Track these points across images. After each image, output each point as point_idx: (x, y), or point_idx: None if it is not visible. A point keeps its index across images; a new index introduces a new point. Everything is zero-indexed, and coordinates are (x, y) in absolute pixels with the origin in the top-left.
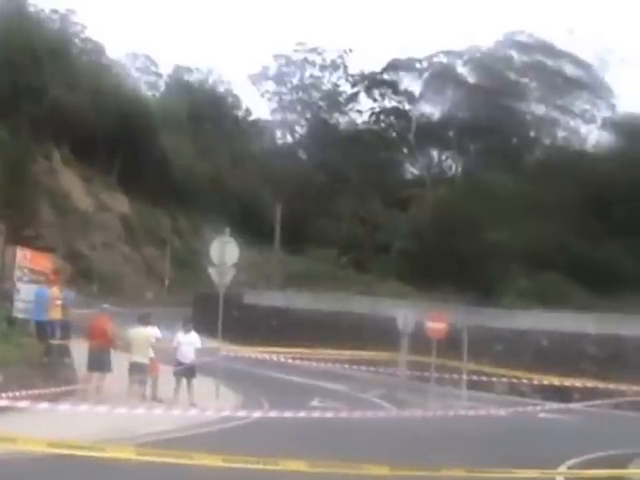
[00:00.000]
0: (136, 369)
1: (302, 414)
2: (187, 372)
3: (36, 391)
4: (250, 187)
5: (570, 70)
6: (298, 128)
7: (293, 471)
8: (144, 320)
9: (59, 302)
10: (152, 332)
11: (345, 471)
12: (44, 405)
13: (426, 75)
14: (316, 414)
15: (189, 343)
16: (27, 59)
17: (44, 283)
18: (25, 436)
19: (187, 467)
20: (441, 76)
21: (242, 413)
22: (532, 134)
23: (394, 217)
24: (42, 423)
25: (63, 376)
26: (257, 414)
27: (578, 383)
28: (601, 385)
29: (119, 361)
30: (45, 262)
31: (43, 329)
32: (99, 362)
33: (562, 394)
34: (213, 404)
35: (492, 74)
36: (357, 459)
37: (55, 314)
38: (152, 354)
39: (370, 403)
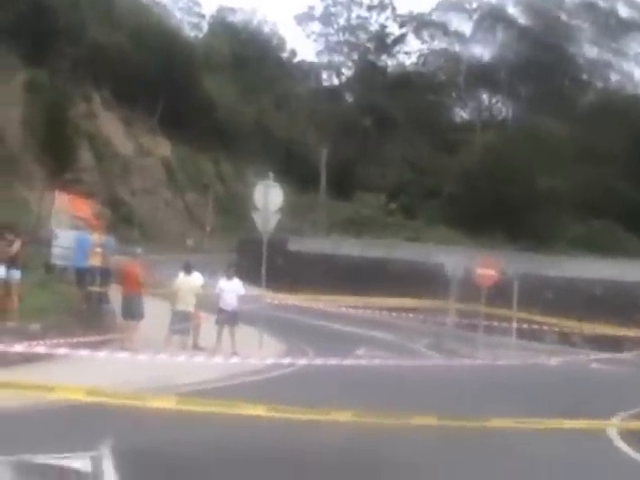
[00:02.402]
0: (180, 317)
1: (347, 362)
2: (230, 320)
3: (75, 339)
4: (295, 130)
5: (624, 11)
6: (344, 70)
7: (338, 421)
8: (188, 268)
9: (99, 249)
10: (196, 281)
11: (392, 421)
12: (83, 353)
13: (476, 16)
14: (362, 362)
15: (231, 290)
16: (66, 0)
17: (84, 229)
18: (63, 384)
19: (230, 417)
20: (491, 17)
21: (286, 361)
22: (584, 77)
23: (443, 162)
24: (81, 371)
25: (102, 324)
26: (301, 362)
27: (631, 333)
28: None
29: (160, 309)
30: (85, 207)
31: (82, 276)
32: (131, 309)
33: (614, 344)
34: (257, 353)
35: (543, 15)
36: (404, 409)
37: (95, 261)
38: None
39: (417, 352)
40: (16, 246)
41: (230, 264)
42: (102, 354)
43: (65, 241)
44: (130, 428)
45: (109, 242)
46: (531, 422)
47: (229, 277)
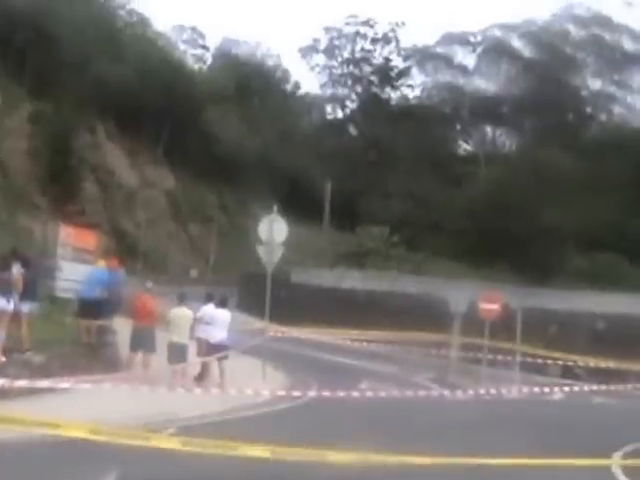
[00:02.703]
0: (175, 350)
1: (351, 396)
2: (219, 352)
3: (79, 372)
4: (299, 163)
5: (628, 44)
6: (348, 103)
7: (341, 460)
8: (182, 299)
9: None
10: (190, 312)
11: (394, 459)
12: (86, 386)
13: (480, 49)
14: (365, 397)
15: (221, 320)
16: (71, 32)
17: (89, 261)
18: (67, 421)
19: (233, 458)
20: (495, 50)
21: (289, 395)
22: (588, 110)
23: (447, 195)
24: (84, 405)
25: (106, 356)
26: (305, 397)
27: (635, 367)
28: None
29: (162, 341)
30: (89, 239)
31: (88, 308)
32: (143, 342)
33: (618, 378)
34: (260, 385)
35: (548, 48)
36: (406, 445)
37: (102, 293)
38: (199, 334)
39: (420, 386)
40: (16, 271)
41: (223, 295)
42: (106, 387)
43: (69, 273)
44: (133, 466)
45: (118, 274)
46: (532, 459)
47: (221, 307)
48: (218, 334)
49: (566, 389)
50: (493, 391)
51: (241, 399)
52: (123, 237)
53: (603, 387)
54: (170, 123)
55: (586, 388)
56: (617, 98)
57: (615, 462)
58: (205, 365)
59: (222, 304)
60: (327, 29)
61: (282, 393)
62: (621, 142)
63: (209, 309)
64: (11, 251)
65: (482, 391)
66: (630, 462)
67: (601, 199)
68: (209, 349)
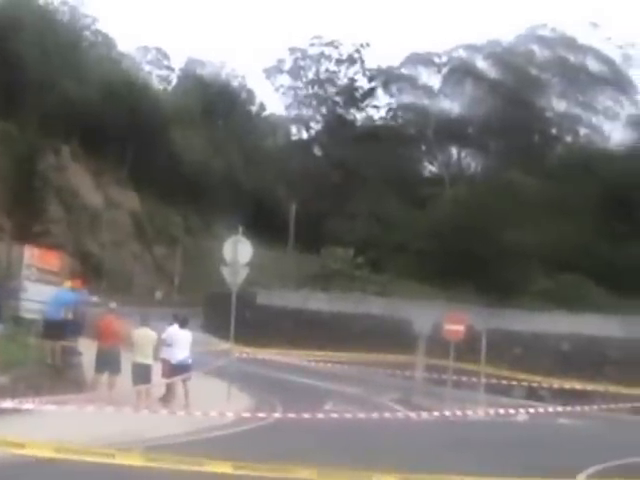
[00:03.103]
0: (139, 370)
1: (316, 417)
2: (182, 373)
3: (44, 392)
4: (264, 185)
5: (593, 66)
6: (313, 124)
7: (293, 478)
8: (145, 321)
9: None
10: (154, 333)
11: (351, 476)
12: (51, 407)
13: (445, 70)
14: (330, 418)
15: (183, 341)
16: (36, 52)
17: (54, 282)
18: (33, 441)
19: (197, 474)
20: (460, 71)
21: (254, 416)
22: (554, 132)
23: (411, 216)
24: (49, 425)
25: (71, 377)
26: (270, 418)
27: (600, 388)
28: (624, 390)
29: (127, 362)
30: (53, 260)
31: (53, 329)
32: (108, 363)
33: (583, 399)
34: (224, 406)
35: (513, 69)
36: (368, 465)
37: (67, 314)
38: (163, 355)
39: (385, 407)
40: None
41: (184, 316)
42: (71, 408)
43: (33, 294)
44: None
45: (83, 295)
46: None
47: (182, 327)
48: (180, 354)
49: (531, 410)
50: (458, 413)
51: (206, 420)
52: (88, 258)
53: (568, 408)
54: (135, 144)
55: (550, 409)
56: (582, 119)
57: None
58: (170, 386)
59: (183, 324)
60: (292, 50)
61: (247, 414)
62: (586, 163)
63: (173, 330)
64: None
65: (447, 412)
66: None
67: (566, 220)
68: (171, 370)
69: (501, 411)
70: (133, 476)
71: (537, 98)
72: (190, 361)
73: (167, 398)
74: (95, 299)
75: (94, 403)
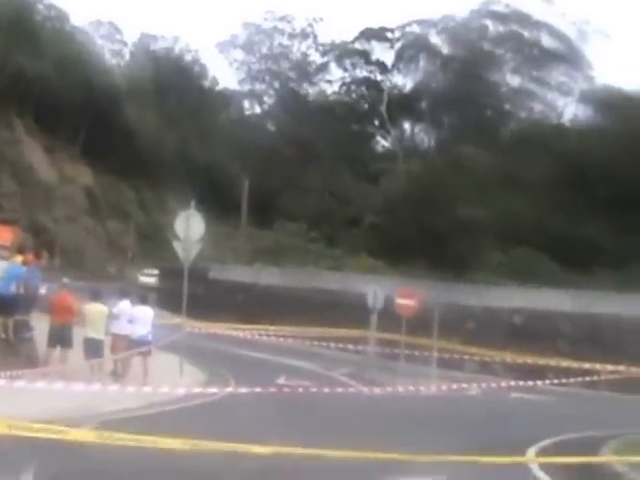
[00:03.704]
0: (91, 345)
1: (268, 392)
2: (141, 347)
3: None
4: (217, 159)
5: (547, 41)
6: (267, 99)
7: (252, 454)
8: (96, 295)
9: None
10: (105, 308)
11: (307, 452)
12: (2, 382)
13: (398, 45)
14: (282, 392)
15: (142, 316)
16: None
17: (7, 257)
18: None
19: (148, 447)
20: (414, 46)
21: (207, 390)
22: (507, 107)
23: (365, 191)
24: (1, 401)
25: (24, 352)
26: (222, 392)
27: (552, 362)
28: (575, 364)
29: (78, 337)
30: (6, 235)
31: (4, 304)
32: (60, 338)
33: (535, 373)
34: (177, 381)
35: (466, 44)
36: (320, 441)
37: (19, 289)
38: (116, 330)
39: (337, 381)
40: None
41: (144, 292)
42: (23, 383)
43: None
44: (50, 460)
45: (35, 270)
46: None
47: (142, 303)
48: (139, 330)
49: (483, 385)
50: (410, 387)
51: (159, 395)
52: (41, 233)
53: (520, 382)
54: (89, 119)
55: (503, 383)
56: (536, 95)
57: (530, 461)
58: (124, 361)
59: (143, 301)
60: (245, 24)
61: (199, 389)
62: (540, 138)
63: (125, 305)
64: None
65: (399, 387)
66: (546, 459)
67: (519, 195)
68: (130, 345)
69: (453, 385)
70: (86, 452)
71: (491, 73)
72: (150, 337)
73: (120, 373)
74: (65, 280)
75: (47, 378)
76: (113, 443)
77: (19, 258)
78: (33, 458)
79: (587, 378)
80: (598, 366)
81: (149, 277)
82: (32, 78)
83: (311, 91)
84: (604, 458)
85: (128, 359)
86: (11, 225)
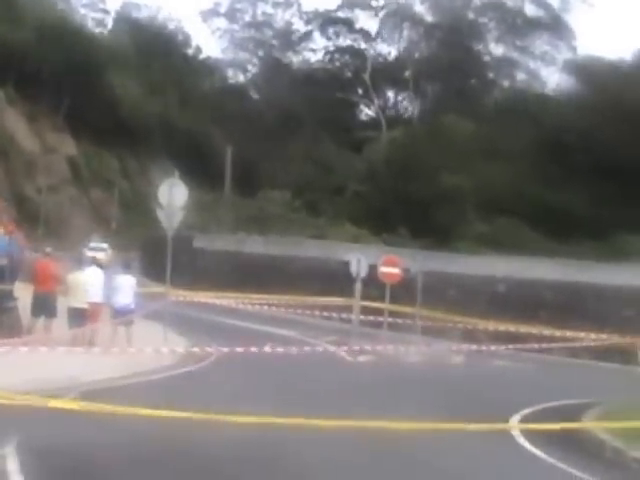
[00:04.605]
0: (74, 314)
1: (253, 358)
2: (124, 317)
3: None
4: (200, 128)
5: (530, 10)
6: (250, 67)
7: (235, 423)
8: (80, 265)
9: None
10: (89, 277)
11: (290, 421)
12: None
13: (382, 14)
14: (267, 359)
15: (125, 286)
16: None
17: None
18: None
19: (131, 417)
20: (398, 15)
21: (192, 358)
22: (491, 76)
23: (348, 159)
24: None
25: (7, 322)
26: (207, 360)
27: (534, 330)
28: (558, 332)
29: (61, 306)
30: None
31: None
32: (44, 307)
33: (518, 341)
34: (160, 350)
35: (450, 13)
36: (305, 409)
37: (1, 259)
38: (93, 299)
39: (322, 349)
40: None
41: (126, 260)
42: (6, 352)
43: None
44: (33, 428)
45: (18, 240)
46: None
47: (123, 272)
48: (122, 299)
49: (466, 352)
50: (394, 355)
51: (143, 364)
52: (24, 203)
53: (502, 348)
54: (71, 88)
55: (485, 351)
56: (519, 64)
57: (512, 427)
58: (106, 330)
59: (125, 269)
60: None
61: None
62: (523, 107)
63: (116, 277)
64: None
65: (383, 355)
66: (529, 426)
67: (502, 164)
68: (114, 314)
69: (437, 353)
70: (68, 421)
71: (474, 42)
72: (133, 306)
73: (96, 342)
74: (48, 250)
75: (30, 347)
76: (93, 411)
77: (1, 229)
78: (15, 427)
79: (569, 344)
80: (581, 334)
81: (97, 252)
82: (13, 47)
83: (295, 60)
84: (586, 424)
85: (113, 328)
86: None
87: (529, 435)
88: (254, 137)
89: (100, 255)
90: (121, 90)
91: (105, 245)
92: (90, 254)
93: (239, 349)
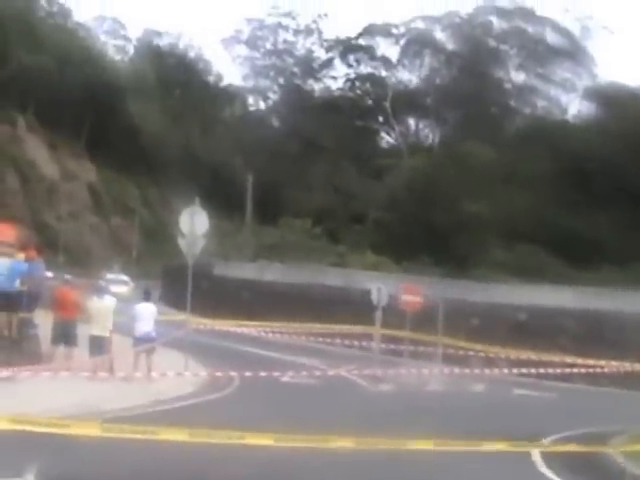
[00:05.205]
0: (95, 342)
1: (274, 386)
2: (146, 345)
3: None
4: (221, 155)
5: (551, 37)
6: (271, 94)
7: (260, 445)
8: (101, 292)
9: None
10: (110, 304)
11: (311, 445)
12: (6, 378)
13: (403, 41)
14: (288, 387)
15: (146, 315)
16: None
17: (11, 254)
18: None
19: (152, 443)
20: (418, 42)
21: (214, 387)
22: (512, 103)
23: (369, 187)
24: (5, 397)
25: (28, 349)
26: (228, 389)
27: (556, 358)
28: (579, 360)
29: (82, 334)
30: (9, 232)
31: (9, 301)
32: (64, 335)
33: (539, 370)
34: (182, 379)
35: (471, 40)
36: (324, 433)
37: (23, 286)
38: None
39: (342, 378)
40: None
41: (147, 288)
42: (28, 380)
43: None
44: (55, 455)
45: (38, 267)
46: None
47: (145, 300)
48: (143, 327)
49: (487, 381)
50: (415, 383)
51: (164, 391)
52: (44, 230)
53: (524, 379)
54: (92, 115)
55: (507, 378)
56: (540, 91)
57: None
58: (127, 358)
59: (146, 297)
60: (249, 20)
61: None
62: (543, 135)
63: (138, 305)
64: None
65: (404, 383)
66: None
67: (523, 191)
68: (135, 342)
69: (458, 381)
70: (91, 446)
71: (495, 69)
72: (154, 334)
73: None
74: (68, 277)
75: (51, 375)
76: (117, 436)
77: (21, 255)
78: (36, 453)
79: (590, 370)
80: (602, 362)
81: (119, 285)
82: (34, 74)
83: (316, 87)
84: (608, 451)
85: (136, 356)
86: (15, 222)
87: (550, 462)
88: (275, 164)
89: (122, 289)
90: (142, 117)
91: (126, 278)
92: (111, 288)
93: (260, 377)
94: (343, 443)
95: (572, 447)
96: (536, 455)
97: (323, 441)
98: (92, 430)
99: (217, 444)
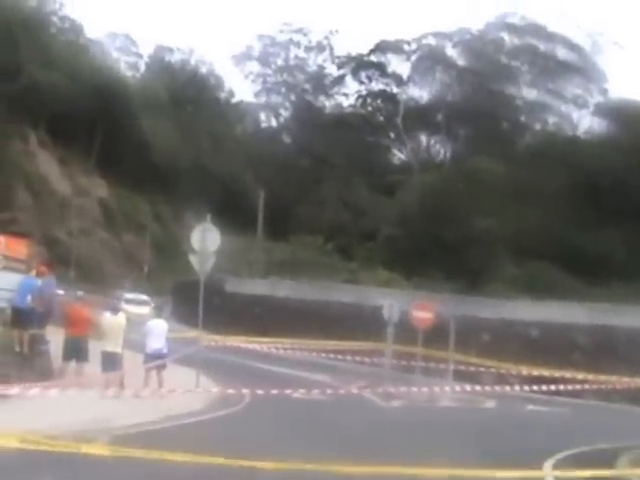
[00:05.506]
0: (108, 359)
1: (285, 404)
2: (156, 361)
3: (11, 381)
4: (233, 172)
5: (562, 53)
6: (282, 111)
7: (263, 468)
8: (114, 308)
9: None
10: (123, 321)
11: (317, 468)
12: (17, 395)
13: (414, 57)
14: (299, 404)
15: (157, 331)
16: (2, 37)
17: (23, 271)
18: None
19: (161, 462)
20: (430, 58)
21: (225, 403)
22: (523, 119)
23: (380, 203)
24: (14, 414)
25: (39, 366)
26: (240, 405)
27: (568, 374)
28: (591, 377)
29: (93, 350)
30: (21, 248)
31: (20, 317)
32: (76, 351)
33: (551, 386)
34: (193, 395)
35: (482, 57)
36: (336, 454)
37: (35, 302)
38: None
39: (354, 394)
40: None
41: (158, 305)
42: (39, 397)
43: (2, 282)
44: (64, 474)
45: (50, 283)
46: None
47: (156, 316)
48: (154, 344)
49: (499, 397)
50: (426, 399)
51: (175, 408)
52: (56, 246)
53: (536, 395)
54: (103, 131)
55: (518, 395)
56: (551, 107)
57: (546, 475)
58: (138, 374)
59: (157, 314)
60: (260, 37)
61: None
62: (555, 151)
63: (149, 322)
64: None
65: (415, 399)
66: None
67: (535, 208)
68: (146, 358)
69: (470, 398)
70: (99, 466)
71: (506, 86)
72: (165, 350)
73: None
74: (80, 293)
75: (62, 391)
76: (124, 456)
77: (33, 271)
78: (46, 472)
79: (602, 386)
80: (613, 378)
81: (140, 306)
82: (45, 90)
83: (327, 104)
84: (621, 471)
85: (147, 372)
86: (26, 238)
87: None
88: (286, 181)
89: (144, 310)
90: (153, 133)
91: (146, 297)
92: (131, 309)
93: (271, 393)
94: (352, 468)
95: (588, 472)
96: (549, 476)
97: (329, 464)
98: (101, 449)
99: (220, 465)
